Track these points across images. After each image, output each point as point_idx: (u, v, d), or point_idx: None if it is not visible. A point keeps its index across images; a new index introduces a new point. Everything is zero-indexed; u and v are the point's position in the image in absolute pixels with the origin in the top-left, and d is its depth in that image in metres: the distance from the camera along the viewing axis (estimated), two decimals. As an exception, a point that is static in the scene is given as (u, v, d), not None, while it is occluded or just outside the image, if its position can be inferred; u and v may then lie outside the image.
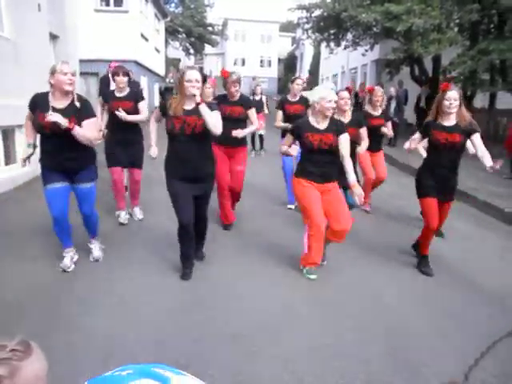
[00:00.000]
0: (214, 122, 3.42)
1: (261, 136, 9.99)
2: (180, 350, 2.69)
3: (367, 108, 5.80)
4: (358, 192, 3.55)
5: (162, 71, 20.06)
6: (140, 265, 3.92)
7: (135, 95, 4.84)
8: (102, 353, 2.63)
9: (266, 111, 10.17)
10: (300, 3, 14.80)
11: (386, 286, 3.81)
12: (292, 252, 4.33)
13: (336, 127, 3.66)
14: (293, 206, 5.84)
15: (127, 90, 4.78)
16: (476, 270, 4.20)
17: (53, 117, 3.24)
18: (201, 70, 3.64)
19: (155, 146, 3.79)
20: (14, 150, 6.57)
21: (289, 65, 41.34)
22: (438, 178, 3.96)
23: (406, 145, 4.34)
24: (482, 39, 11.62)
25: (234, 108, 4.69)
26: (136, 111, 4.76)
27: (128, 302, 3.29)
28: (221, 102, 4.55)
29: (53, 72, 3.31)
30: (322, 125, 3.67)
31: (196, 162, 3.49)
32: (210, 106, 3.45)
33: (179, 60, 30.19)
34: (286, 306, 3.35)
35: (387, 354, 2.80)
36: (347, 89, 4.86)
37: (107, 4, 14.86)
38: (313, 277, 3.83)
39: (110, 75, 10.98)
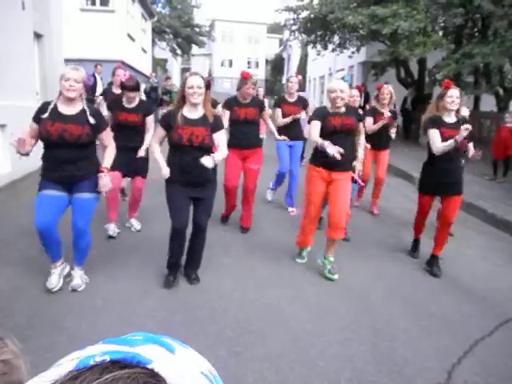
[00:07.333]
0: (224, 155, 3.56)
1: (261, 140, 9.72)
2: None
3: (375, 105, 5.66)
4: None
5: (148, 72, 19.88)
6: (124, 268, 3.88)
7: (145, 108, 4.65)
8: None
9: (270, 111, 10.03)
10: (287, 5, 14.84)
11: (371, 286, 3.83)
12: (278, 252, 4.34)
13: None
14: (294, 210, 5.62)
15: (137, 101, 4.57)
16: (459, 270, 4.26)
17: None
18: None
19: (166, 167, 3.42)
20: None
21: (276, 66, 41.47)
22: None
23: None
24: (466, 43, 11.82)
25: (249, 110, 4.71)
26: (143, 124, 4.56)
27: (112, 304, 3.26)
28: (234, 105, 4.68)
29: (60, 77, 3.12)
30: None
31: (199, 170, 3.32)
32: (217, 123, 3.48)
33: (166, 60, 30.05)
34: (271, 306, 3.35)
35: (372, 353, 2.82)
36: (357, 87, 5.00)
37: (93, 3, 14.73)
38: (299, 260, 4.17)
39: (96, 75, 10.97)
